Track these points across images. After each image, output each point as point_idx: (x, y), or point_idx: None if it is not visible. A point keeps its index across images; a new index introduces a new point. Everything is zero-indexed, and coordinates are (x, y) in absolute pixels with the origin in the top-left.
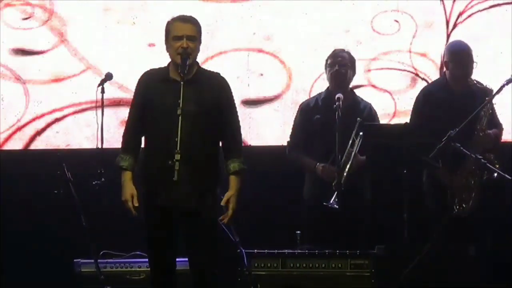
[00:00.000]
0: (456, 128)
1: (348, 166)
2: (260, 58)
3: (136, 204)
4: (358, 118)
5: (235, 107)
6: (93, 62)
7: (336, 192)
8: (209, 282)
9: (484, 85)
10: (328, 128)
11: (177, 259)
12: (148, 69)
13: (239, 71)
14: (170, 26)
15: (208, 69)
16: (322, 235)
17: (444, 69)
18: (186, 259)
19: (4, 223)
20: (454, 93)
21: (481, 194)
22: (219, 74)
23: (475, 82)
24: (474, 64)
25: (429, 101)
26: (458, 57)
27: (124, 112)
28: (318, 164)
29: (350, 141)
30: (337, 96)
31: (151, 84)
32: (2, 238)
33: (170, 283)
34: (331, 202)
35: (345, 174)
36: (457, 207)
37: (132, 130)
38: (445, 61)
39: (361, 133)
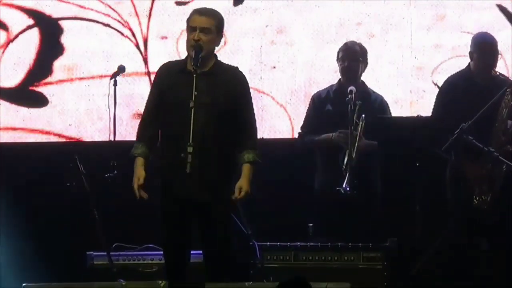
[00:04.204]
0: (472, 120)
1: (355, 149)
2: (273, 50)
3: (141, 183)
4: (358, 101)
5: (251, 102)
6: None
7: (347, 175)
8: (223, 275)
9: (507, 76)
10: (338, 119)
11: (191, 252)
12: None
13: (252, 64)
14: (189, 17)
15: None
16: (333, 225)
17: (469, 59)
18: (200, 251)
19: (17, 216)
20: (477, 84)
21: (502, 186)
22: (237, 68)
23: (498, 73)
24: (499, 56)
25: (452, 91)
26: (483, 48)
27: (136, 105)
28: (333, 134)
29: (353, 124)
30: (349, 89)
31: (168, 76)
32: (15, 231)
33: (184, 275)
34: (343, 186)
35: (353, 156)
36: (477, 198)
37: (147, 120)
38: (470, 51)
39: (363, 115)
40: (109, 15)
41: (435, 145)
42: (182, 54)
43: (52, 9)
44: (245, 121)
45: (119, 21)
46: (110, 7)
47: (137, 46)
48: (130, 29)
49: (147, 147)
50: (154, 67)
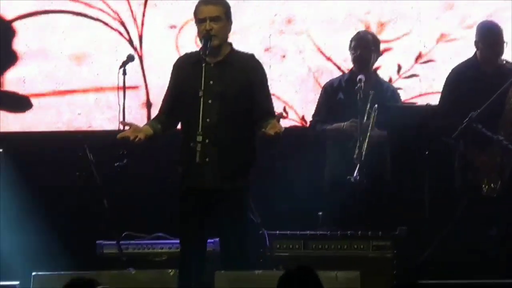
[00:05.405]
0: (481, 108)
1: (367, 139)
2: (282, 40)
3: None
4: (371, 91)
5: (268, 89)
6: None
7: (358, 166)
8: (239, 264)
9: None
10: (350, 108)
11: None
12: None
13: (261, 53)
14: (195, 10)
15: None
16: (343, 214)
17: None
18: (213, 240)
19: (27, 205)
20: (484, 73)
21: (511, 174)
22: (253, 55)
23: (505, 62)
24: (505, 44)
25: (459, 80)
26: (488, 37)
27: (145, 94)
28: (345, 123)
29: (366, 114)
30: (359, 77)
31: (183, 68)
32: (25, 220)
33: (199, 264)
34: (354, 176)
35: (364, 147)
36: (486, 187)
37: (162, 110)
38: (476, 41)
39: (375, 106)
40: (108, 14)
41: (445, 133)
42: (182, 49)
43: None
44: (263, 106)
45: (114, 18)
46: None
47: (130, 41)
48: (124, 25)
49: (157, 121)
50: (150, 64)
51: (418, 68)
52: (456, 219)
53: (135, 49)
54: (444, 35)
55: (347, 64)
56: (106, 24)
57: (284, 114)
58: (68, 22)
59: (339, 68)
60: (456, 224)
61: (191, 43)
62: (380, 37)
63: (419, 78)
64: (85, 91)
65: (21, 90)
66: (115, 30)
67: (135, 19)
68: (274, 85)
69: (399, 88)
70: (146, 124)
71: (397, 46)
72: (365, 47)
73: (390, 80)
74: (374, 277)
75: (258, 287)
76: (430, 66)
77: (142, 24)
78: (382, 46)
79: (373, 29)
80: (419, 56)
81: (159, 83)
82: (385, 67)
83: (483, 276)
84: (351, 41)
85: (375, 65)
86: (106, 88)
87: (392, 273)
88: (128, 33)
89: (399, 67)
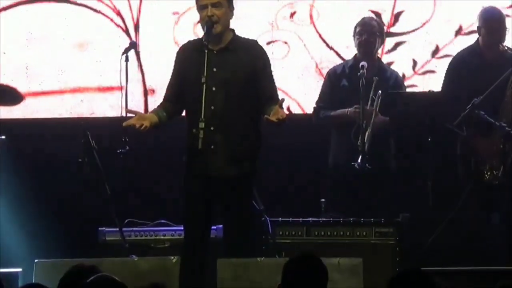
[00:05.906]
0: (482, 95)
1: (370, 125)
2: (285, 26)
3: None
4: (375, 77)
5: (272, 75)
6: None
7: (362, 152)
8: (242, 251)
9: None
10: (354, 95)
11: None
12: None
13: (264, 39)
14: None
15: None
16: (346, 200)
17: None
18: (215, 227)
19: (29, 192)
20: (486, 60)
21: None
22: (256, 41)
23: (506, 48)
24: (507, 30)
25: (461, 67)
26: (490, 24)
27: (148, 81)
28: (349, 109)
29: (369, 101)
30: (361, 64)
31: (186, 55)
32: (27, 207)
33: (201, 251)
34: (358, 162)
35: (368, 133)
36: (488, 173)
37: (166, 97)
38: (478, 26)
39: (379, 92)
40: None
41: (447, 120)
42: (180, 39)
43: None
44: (267, 91)
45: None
46: None
47: (127, 31)
48: (120, 14)
49: (162, 108)
50: (146, 55)
51: (435, 63)
52: (459, 206)
53: (130, 37)
54: (463, 27)
55: (349, 51)
56: (96, 10)
57: (286, 112)
58: (70, 9)
59: (339, 55)
60: (459, 211)
61: (189, 30)
62: (394, 29)
63: (421, 64)
64: (88, 89)
65: (24, 77)
66: (109, 17)
67: (130, 7)
68: (276, 73)
69: (414, 86)
70: (151, 112)
71: (412, 40)
72: (370, 32)
73: (404, 76)
74: (377, 264)
75: (260, 274)
76: (432, 51)
77: (139, 11)
78: (396, 40)
79: (386, 20)
80: (436, 50)
81: (158, 71)
82: (399, 62)
83: (485, 263)
84: (355, 27)
85: (388, 61)
86: (107, 88)
87: (394, 259)
88: (123, 21)
89: (415, 63)
